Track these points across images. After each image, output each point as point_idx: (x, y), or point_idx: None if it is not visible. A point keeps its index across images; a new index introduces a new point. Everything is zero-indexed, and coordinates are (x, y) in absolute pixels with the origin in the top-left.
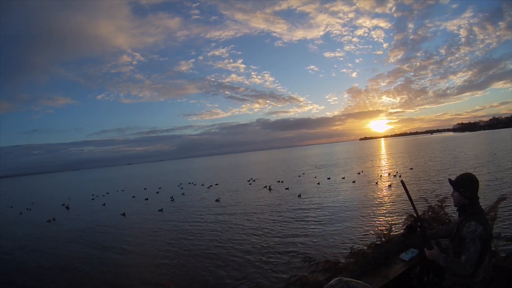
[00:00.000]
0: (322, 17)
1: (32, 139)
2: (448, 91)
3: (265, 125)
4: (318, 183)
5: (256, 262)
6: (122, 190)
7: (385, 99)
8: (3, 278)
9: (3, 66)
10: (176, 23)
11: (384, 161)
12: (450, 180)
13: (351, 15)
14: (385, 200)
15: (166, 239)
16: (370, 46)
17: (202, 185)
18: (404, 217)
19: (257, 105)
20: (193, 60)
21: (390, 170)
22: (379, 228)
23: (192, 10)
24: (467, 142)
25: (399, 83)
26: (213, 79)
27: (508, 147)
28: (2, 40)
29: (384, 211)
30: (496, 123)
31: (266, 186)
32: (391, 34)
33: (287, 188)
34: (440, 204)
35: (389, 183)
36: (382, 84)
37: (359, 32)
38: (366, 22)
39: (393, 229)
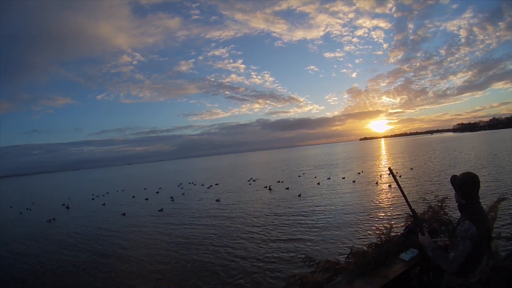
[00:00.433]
0: (322, 17)
1: (32, 139)
2: (448, 92)
3: (265, 125)
4: (318, 183)
5: (256, 262)
6: (122, 190)
7: (385, 99)
8: (2, 278)
9: (3, 66)
10: (176, 23)
11: (384, 161)
12: (451, 179)
13: (351, 15)
14: (385, 200)
15: (166, 240)
16: (370, 47)
17: (202, 185)
18: (404, 218)
19: (257, 105)
20: (193, 60)
21: None
22: (379, 228)
23: (192, 10)
24: (467, 142)
25: (399, 83)
26: (213, 79)
27: (508, 148)
28: (2, 40)
29: (384, 211)
30: (496, 123)
31: (266, 186)
32: (391, 35)
33: (287, 188)
34: (440, 204)
35: (389, 183)
36: (382, 85)
37: (359, 32)
38: (366, 23)
39: (393, 229)
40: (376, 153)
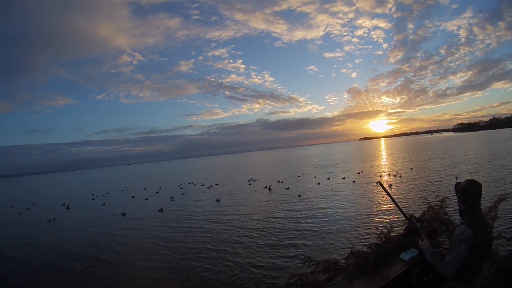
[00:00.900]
0: (322, 17)
1: (32, 139)
2: (448, 91)
3: (265, 125)
4: (318, 183)
5: (256, 262)
6: (122, 190)
7: (385, 99)
8: (2, 278)
9: (3, 66)
10: (176, 23)
11: (384, 161)
12: (455, 187)
13: (351, 15)
14: (385, 200)
15: (166, 240)
16: (370, 47)
17: (202, 185)
18: (404, 218)
19: (257, 105)
20: (193, 60)
21: (390, 170)
22: (379, 228)
23: (192, 10)
24: (467, 142)
25: (399, 83)
26: (213, 79)
27: (508, 147)
28: (2, 40)
29: (384, 211)
30: (496, 123)
31: (266, 186)
32: (391, 35)
33: (287, 188)
34: (440, 204)
35: (389, 183)
36: (382, 84)
37: (359, 32)
38: (366, 23)
39: (393, 229)
40: (376, 153)
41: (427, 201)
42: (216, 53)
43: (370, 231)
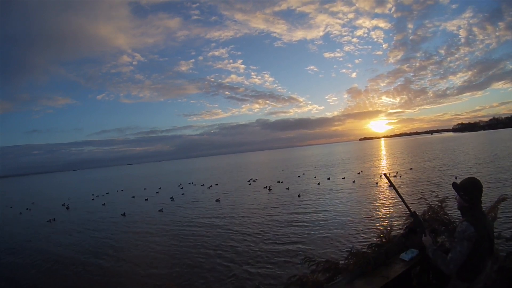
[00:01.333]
0: (322, 17)
1: (32, 139)
2: (448, 92)
3: (265, 126)
4: (318, 184)
5: (256, 263)
6: (122, 190)
7: (384, 99)
8: (2, 278)
9: (3, 66)
10: (176, 23)
11: (384, 161)
12: (453, 184)
13: (350, 15)
14: (385, 200)
15: (166, 240)
16: (370, 47)
17: (202, 185)
18: (404, 217)
19: (257, 106)
20: (193, 60)
21: (390, 170)
22: (379, 228)
23: (192, 11)
24: (467, 142)
25: (399, 83)
26: (213, 79)
27: (508, 148)
28: (2, 40)
29: (384, 211)
30: (496, 123)
31: (266, 187)
32: (390, 35)
33: (287, 189)
34: (440, 204)
35: (389, 183)
36: (382, 85)
37: (359, 32)
38: (366, 23)
39: (393, 229)
40: (375, 153)
41: (427, 201)
42: (216, 53)
43: (370, 231)
